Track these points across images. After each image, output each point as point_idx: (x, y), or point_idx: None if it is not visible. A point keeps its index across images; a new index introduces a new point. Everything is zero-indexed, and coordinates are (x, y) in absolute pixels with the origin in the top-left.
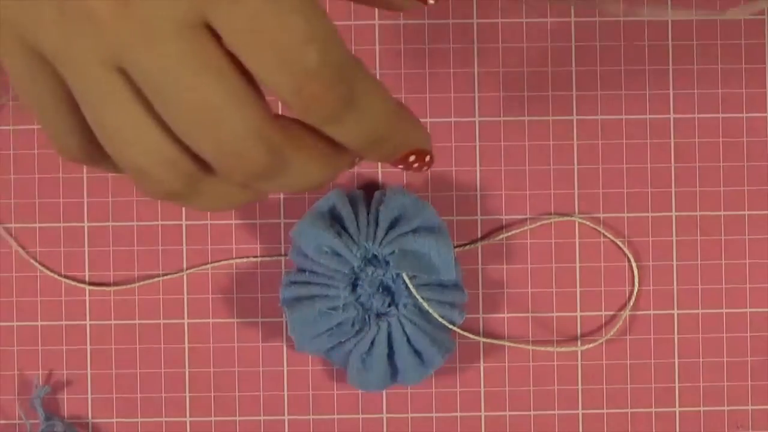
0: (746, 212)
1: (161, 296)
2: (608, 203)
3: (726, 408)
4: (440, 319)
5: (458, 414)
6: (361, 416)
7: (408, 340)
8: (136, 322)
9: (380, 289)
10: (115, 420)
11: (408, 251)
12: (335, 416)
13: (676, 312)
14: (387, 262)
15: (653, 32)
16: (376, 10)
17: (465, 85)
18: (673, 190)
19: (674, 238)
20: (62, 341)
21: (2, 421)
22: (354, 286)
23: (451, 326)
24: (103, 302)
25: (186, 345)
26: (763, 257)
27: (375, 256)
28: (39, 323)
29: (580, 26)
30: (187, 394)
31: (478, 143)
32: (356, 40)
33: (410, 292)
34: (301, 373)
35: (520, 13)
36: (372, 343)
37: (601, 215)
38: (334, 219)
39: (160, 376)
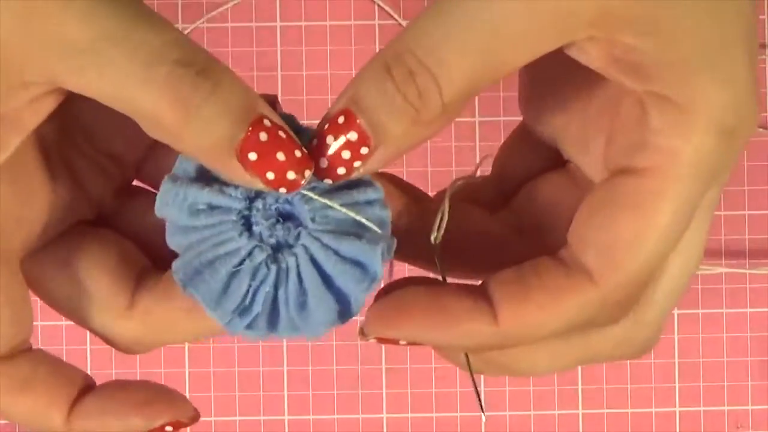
0: (746, 212)
1: None
2: None
3: (726, 408)
4: (364, 221)
5: (458, 414)
6: (361, 416)
7: (336, 252)
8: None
9: (279, 219)
10: None
11: None
12: (335, 416)
13: (676, 312)
14: None
15: None
16: (376, 9)
17: None
18: None
19: None
20: (62, 341)
21: (2, 421)
22: (249, 226)
23: (376, 228)
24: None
25: (186, 345)
26: (762, 257)
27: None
28: (39, 323)
29: None
30: (188, 394)
31: (478, 143)
32: (356, 40)
33: (312, 204)
34: (301, 373)
35: None
36: (299, 276)
37: None
38: (201, 177)
39: (160, 376)
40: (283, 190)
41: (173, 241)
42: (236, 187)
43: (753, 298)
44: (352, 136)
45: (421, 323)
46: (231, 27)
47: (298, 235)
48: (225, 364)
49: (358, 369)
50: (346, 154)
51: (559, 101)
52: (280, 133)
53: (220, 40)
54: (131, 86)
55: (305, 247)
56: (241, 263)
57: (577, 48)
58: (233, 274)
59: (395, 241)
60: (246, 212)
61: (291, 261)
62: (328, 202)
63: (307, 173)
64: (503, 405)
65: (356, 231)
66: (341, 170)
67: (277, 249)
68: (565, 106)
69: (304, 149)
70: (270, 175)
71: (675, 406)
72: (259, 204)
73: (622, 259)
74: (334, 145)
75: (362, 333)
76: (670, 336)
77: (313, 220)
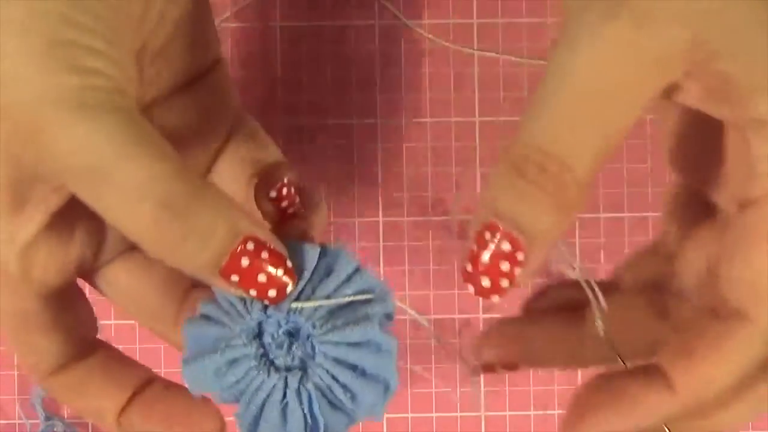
0: None
1: None
2: (608, 204)
3: None
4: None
5: (458, 414)
6: None
7: (348, 344)
8: (136, 321)
9: (291, 340)
10: None
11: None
12: None
13: None
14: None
15: None
16: (376, 9)
17: (465, 85)
18: None
19: None
20: None
21: (2, 421)
22: (272, 361)
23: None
24: (103, 301)
25: None
26: None
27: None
28: None
29: None
30: None
31: (478, 143)
32: (356, 39)
33: (305, 312)
34: None
35: (519, 13)
36: (335, 379)
37: (601, 215)
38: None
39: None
40: (266, 301)
41: (223, 401)
42: (240, 334)
43: None
44: (505, 246)
45: (607, 414)
46: (231, 27)
47: (312, 344)
48: None
49: None
50: (505, 266)
51: (701, 149)
52: (264, 254)
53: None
54: (118, 218)
55: (324, 354)
56: (284, 395)
57: (677, 90)
58: (284, 409)
59: (389, 293)
60: (261, 350)
61: (320, 372)
62: (315, 304)
63: (289, 288)
64: (503, 405)
65: (354, 312)
66: (504, 283)
67: (304, 363)
68: (706, 153)
69: (288, 265)
70: (253, 292)
71: None
72: (267, 338)
73: None
74: (489, 261)
75: None
76: None
77: (314, 326)
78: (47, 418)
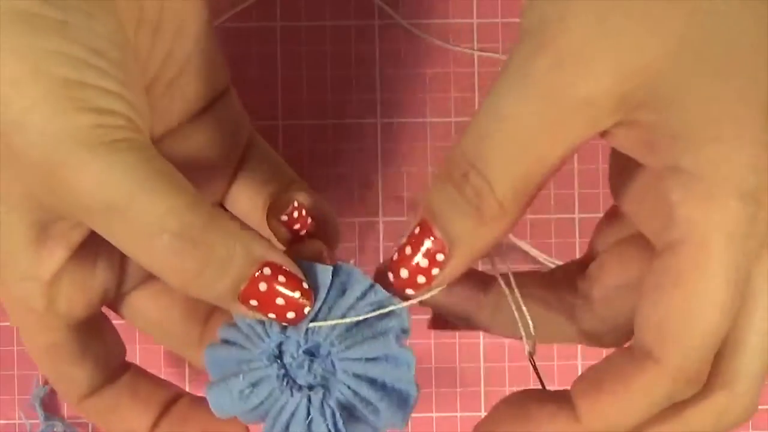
0: None
1: None
2: (609, 204)
3: None
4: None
5: (458, 414)
6: None
7: (367, 359)
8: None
9: (311, 359)
10: None
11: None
12: None
13: None
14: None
15: None
16: (376, 9)
17: (465, 84)
18: None
19: None
20: None
21: (2, 421)
22: (294, 379)
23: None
24: None
25: None
26: None
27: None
28: None
29: None
30: None
31: None
32: (356, 39)
33: (321, 331)
34: None
35: (519, 13)
36: (356, 393)
37: (601, 215)
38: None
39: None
40: (285, 322)
41: (248, 422)
42: (260, 355)
43: None
44: (428, 244)
45: None
46: (231, 27)
47: (332, 361)
48: None
49: None
50: (423, 263)
51: (631, 179)
52: (281, 277)
53: (220, 41)
54: (137, 252)
55: (344, 370)
56: (308, 413)
57: (609, 135)
58: (309, 426)
59: (405, 309)
60: (283, 370)
61: (342, 388)
62: (332, 323)
63: (307, 309)
64: None
65: (371, 328)
66: (421, 279)
67: (325, 380)
68: (635, 184)
69: (305, 286)
70: (272, 315)
71: None
72: (287, 358)
73: (678, 335)
74: (411, 255)
75: None
76: None
77: (332, 344)
78: (47, 418)
